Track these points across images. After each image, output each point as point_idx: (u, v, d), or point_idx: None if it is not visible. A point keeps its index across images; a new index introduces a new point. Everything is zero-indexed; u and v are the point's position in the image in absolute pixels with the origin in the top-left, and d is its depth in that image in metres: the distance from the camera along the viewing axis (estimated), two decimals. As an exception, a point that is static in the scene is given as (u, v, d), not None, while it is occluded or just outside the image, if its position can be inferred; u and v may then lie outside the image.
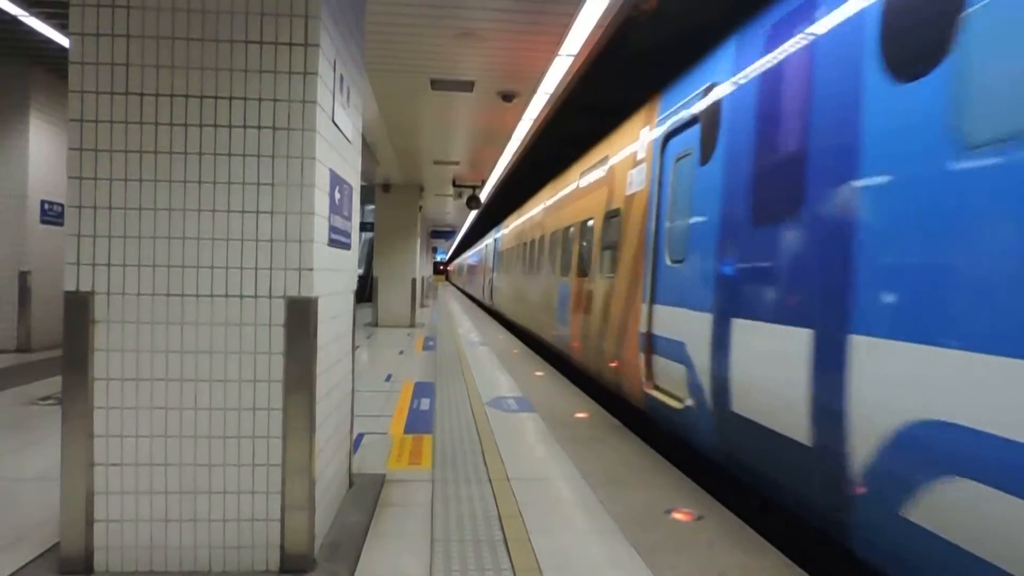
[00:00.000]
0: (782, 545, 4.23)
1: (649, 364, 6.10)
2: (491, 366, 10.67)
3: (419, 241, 18.38)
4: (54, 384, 7.42)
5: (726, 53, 4.89)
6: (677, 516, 4.17)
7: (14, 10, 7.19)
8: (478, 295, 34.33)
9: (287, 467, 3.20)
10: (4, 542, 3.46)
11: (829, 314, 3.34)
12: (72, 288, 3.09)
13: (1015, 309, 2.34)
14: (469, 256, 49.00)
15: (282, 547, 3.21)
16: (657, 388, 5.94)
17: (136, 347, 3.12)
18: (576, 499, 4.45)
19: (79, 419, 3.09)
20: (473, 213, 25.40)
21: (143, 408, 3.13)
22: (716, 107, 4.86)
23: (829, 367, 3.32)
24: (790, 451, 3.64)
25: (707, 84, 5.14)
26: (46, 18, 7.44)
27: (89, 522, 3.11)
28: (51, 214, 10.21)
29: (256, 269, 3.16)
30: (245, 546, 3.20)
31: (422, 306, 24.54)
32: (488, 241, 29.75)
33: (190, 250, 3.14)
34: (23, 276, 9.86)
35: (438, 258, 64.08)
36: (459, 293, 49.80)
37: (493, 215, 37.31)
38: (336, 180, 3.67)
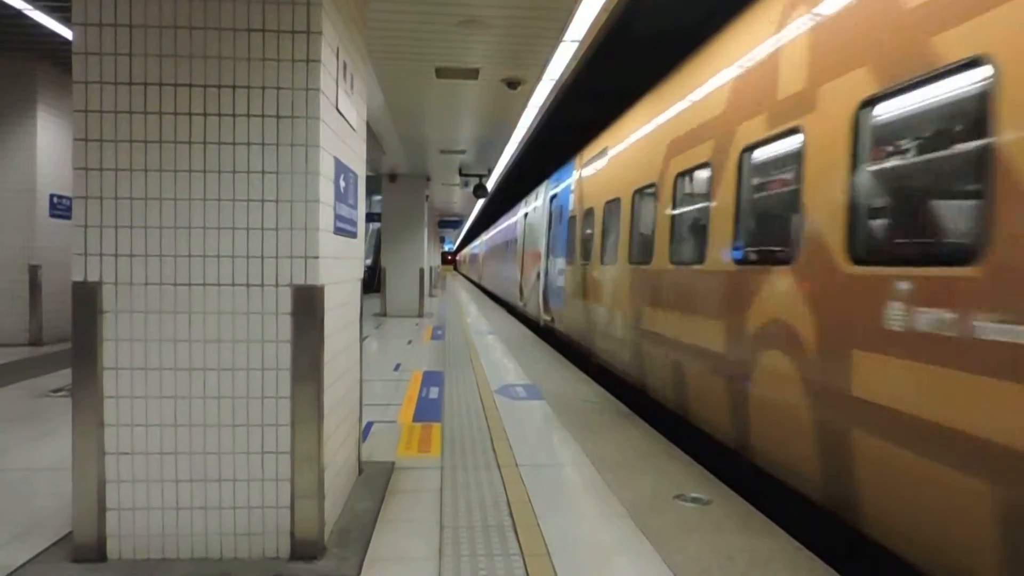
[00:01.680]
0: (791, 528, 4.23)
1: None
2: (499, 354, 10.69)
3: (426, 231, 18.38)
4: (66, 376, 7.47)
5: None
6: (686, 501, 4.18)
7: (18, 3, 7.19)
8: (508, 295, 21.06)
9: (296, 455, 3.21)
10: (19, 531, 3.50)
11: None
12: (80, 279, 3.10)
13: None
14: (487, 238, 33.88)
15: (292, 534, 3.23)
16: None
17: (144, 336, 3.14)
18: (585, 484, 4.46)
19: (89, 409, 3.12)
20: (480, 202, 25.34)
21: (152, 397, 3.15)
22: None
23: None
24: None
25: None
26: (50, 11, 7.45)
27: (101, 510, 3.14)
28: (60, 208, 10.26)
29: (262, 257, 3.17)
30: (256, 533, 3.22)
31: (430, 296, 24.58)
32: (531, 206, 16.43)
33: (196, 239, 3.14)
34: (33, 270, 9.92)
35: (446, 248, 63.54)
36: (468, 283, 49.27)
37: (499, 205, 35.56)
38: (341, 168, 3.67)
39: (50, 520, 3.63)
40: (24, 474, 4.41)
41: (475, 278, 46.98)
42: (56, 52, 9.27)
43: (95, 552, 3.14)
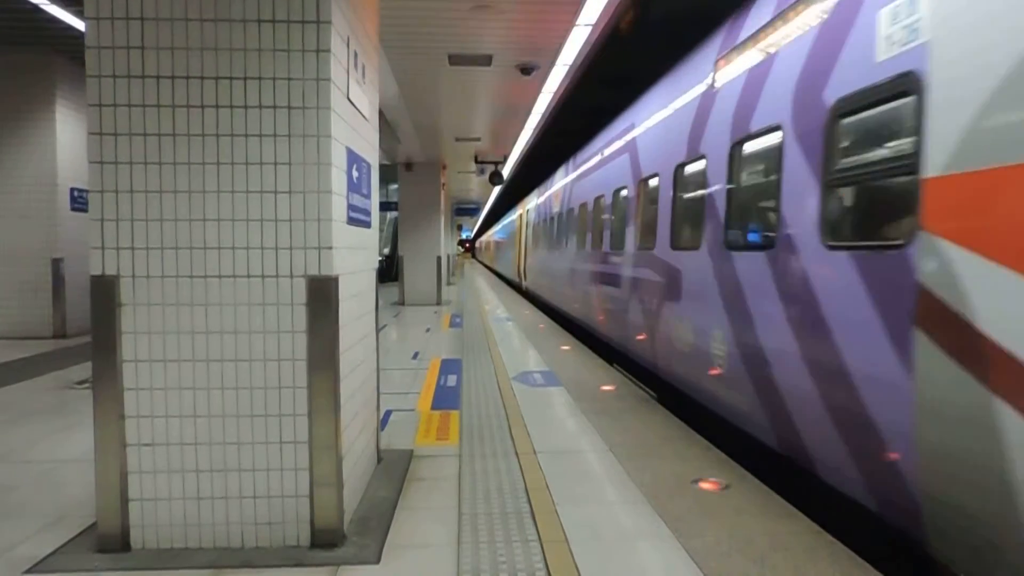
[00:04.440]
0: (811, 512, 4.20)
1: None
2: (517, 341, 10.69)
3: (443, 219, 18.37)
4: (89, 369, 7.57)
5: None
6: (704, 486, 4.16)
7: (34, -1, 7.26)
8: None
9: (314, 444, 3.24)
10: (46, 522, 3.56)
11: None
12: (98, 272, 3.13)
13: None
14: (573, 178, 12.90)
15: (312, 522, 3.26)
16: None
17: (162, 329, 3.17)
18: (603, 471, 4.46)
19: (110, 401, 3.16)
20: (496, 189, 25.15)
21: (171, 388, 3.18)
22: None
23: None
24: None
25: None
26: (66, 5, 7.49)
27: (124, 501, 3.18)
28: (81, 201, 10.37)
29: (276, 249, 3.18)
30: (276, 522, 3.26)
31: (448, 284, 24.59)
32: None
33: (211, 231, 3.16)
34: (56, 263, 10.05)
35: (463, 235, 63.41)
36: (488, 273, 48.82)
37: (513, 194, 33.97)
38: (353, 158, 3.66)
39: (75, 511, 3.69)
40: (50, 465, 4.48)
41: (510, 273, 29.17)
42: (73, 46, 9.34)
43: (119, 542, 3.19)
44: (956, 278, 2.79)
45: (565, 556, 3.23)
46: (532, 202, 20.80)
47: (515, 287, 25.72)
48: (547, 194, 17.03)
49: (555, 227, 14.98)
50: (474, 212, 39.81)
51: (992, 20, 2.69)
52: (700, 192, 5.82)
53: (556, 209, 14.89)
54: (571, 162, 13.58)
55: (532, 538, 3.42)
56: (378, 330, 4.49)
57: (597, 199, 10.25)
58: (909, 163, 3.14)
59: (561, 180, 14.63)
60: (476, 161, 16.52)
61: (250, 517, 3.25)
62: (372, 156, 4.24)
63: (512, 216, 30.05)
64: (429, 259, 17.27)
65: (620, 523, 3.62)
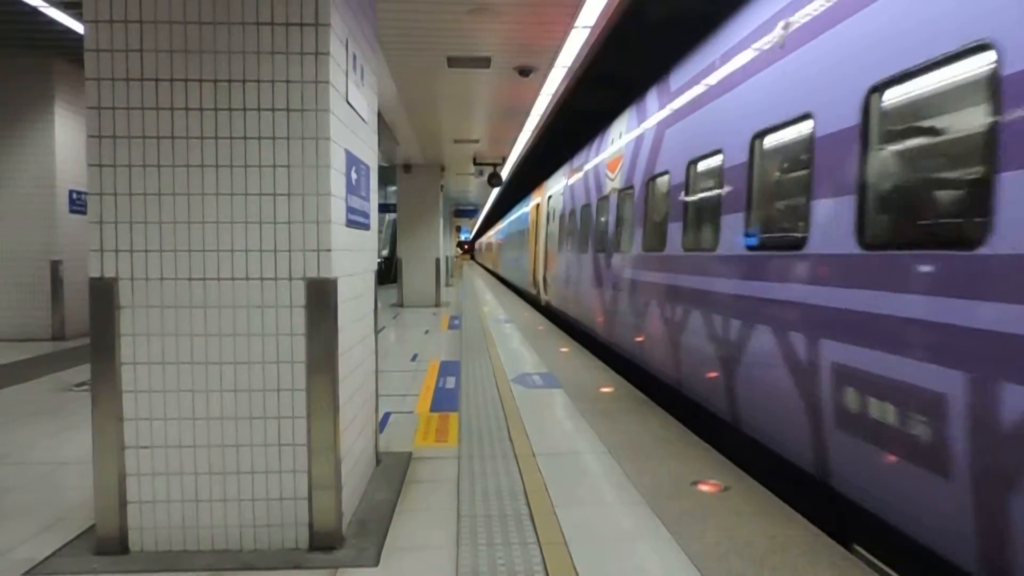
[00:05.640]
0: (810, 515, 4.21)
1: None
2: (516, 343, 10.69)
3: (442, 220, 18.37)
4: (88, 371, 7.57)
5: None
6: (703, 487, 4.17)
7: (34, 0, 7.25)
8: None
9: (312, 446, 3.24)
10: (44, 524, 3.56)
11: None
12: (97, 275, 3.13)
13: None
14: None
15: (311, 525, 3.26)
16: None
17: (161, 331, 3.17)
18: (602, 472, 4.46)
19: (108, 403, 3.16)
20: (496, 189, 25.07)
21: (170, 391, 3.18)
22: None
23: None
24: None
25: None
26: (64, 8, 7.50)
27: (122, 503, 3.18)
28: (79, 203, 10.36)
29: (275, 251, 3.18)
30: (275, 525, 3.26)
31: (447, 285, 24.57)
32: None
33: (210, 234, 3.16)
34: (55, 265, 10.05)
35: (462, 237, 63.31)
36: (482, 271, 48.65)
37: (515, 191, 33.79)
38: (352, 160, 3.67)
39: (74, 513, 3.69)
40: (50, 468, 4.48)
41: (521, 283, 23.11)
42: (72, 49, 9.34)
43: (118, 544, 3.19)
44: None
45: (564, 558, 3.23)
46: (557, 185, 15.23)
47: (531, 300, 19.81)
48: (591, 166, 11.24)
49: (612, 217, 9.39)
50: (473, 214, 39.83)
51: None
52: None
53: (614, 184, 9.35)
54: (645, 101, 8.12)
55: (531, 540, 3.42)
56: (377, 332, 4.49)
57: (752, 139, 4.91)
58: None
59: (627, 135, 8.87)
60: (475, 163, 16.54)
61: (249, 520, 3.25)
62: (371, 158, 4.24)
63: (524, 208, 23.53)
64: (428, 261, 17.27)
65: (619, 525, 3.62)
